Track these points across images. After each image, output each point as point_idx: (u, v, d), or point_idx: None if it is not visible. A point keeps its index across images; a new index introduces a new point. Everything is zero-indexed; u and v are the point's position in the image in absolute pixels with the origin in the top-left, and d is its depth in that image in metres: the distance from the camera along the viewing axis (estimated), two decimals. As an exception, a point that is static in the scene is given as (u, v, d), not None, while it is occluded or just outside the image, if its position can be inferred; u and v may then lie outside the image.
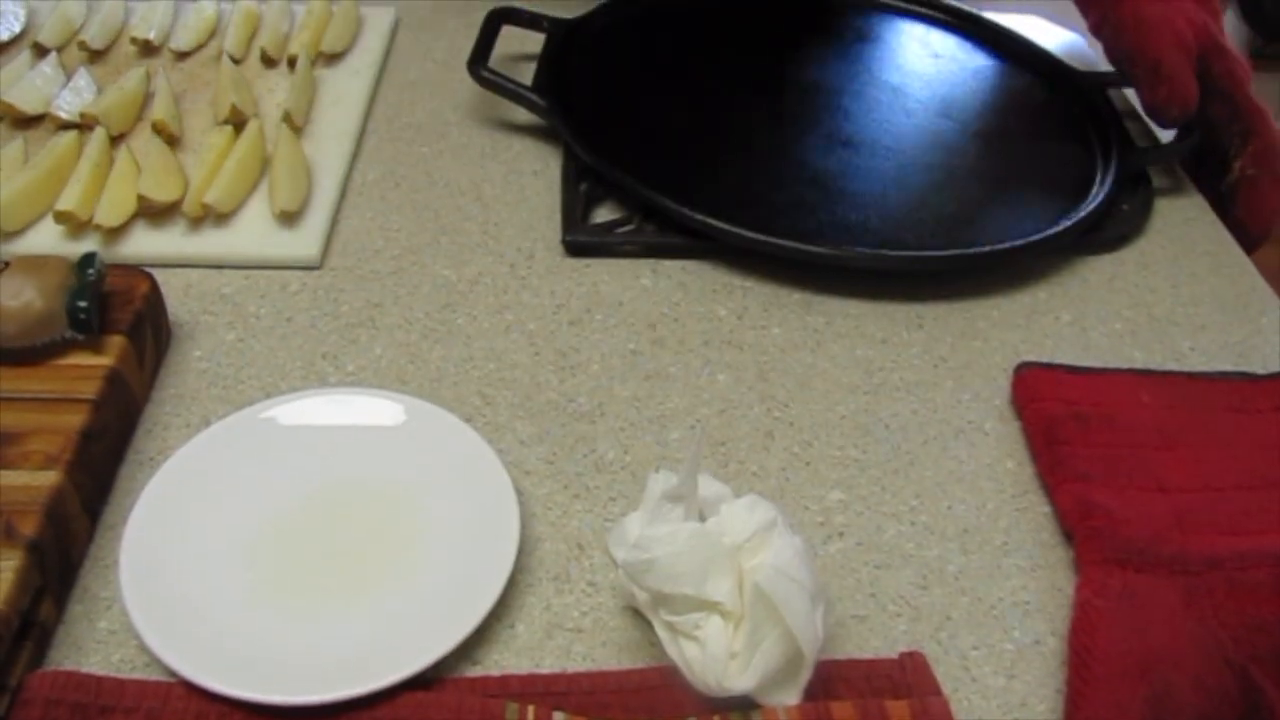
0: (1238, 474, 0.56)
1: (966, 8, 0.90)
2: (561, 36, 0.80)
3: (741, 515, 0.46)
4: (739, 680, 0.43)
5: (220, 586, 0.48)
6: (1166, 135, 0.80)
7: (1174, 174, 0.79)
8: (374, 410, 0.55)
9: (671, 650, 0.44)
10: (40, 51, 0.77)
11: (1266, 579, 0.50)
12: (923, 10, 0.90)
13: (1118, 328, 0.66)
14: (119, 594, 0.47)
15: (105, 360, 0.53)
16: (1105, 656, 0.47)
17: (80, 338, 0.53)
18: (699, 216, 0.65)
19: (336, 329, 0.61)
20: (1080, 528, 0.52)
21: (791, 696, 0.44)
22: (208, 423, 0.56)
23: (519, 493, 0.52)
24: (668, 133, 0.76)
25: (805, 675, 0.43)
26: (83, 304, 0.53)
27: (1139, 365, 0.63)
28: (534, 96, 0.74)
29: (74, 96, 0.72)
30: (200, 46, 0.80)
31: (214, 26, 0.82)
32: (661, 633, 0.45)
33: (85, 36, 0.78)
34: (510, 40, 0.82)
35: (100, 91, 0.73)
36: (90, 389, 0.52)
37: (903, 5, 0.90)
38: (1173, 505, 0.54)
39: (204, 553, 0.49)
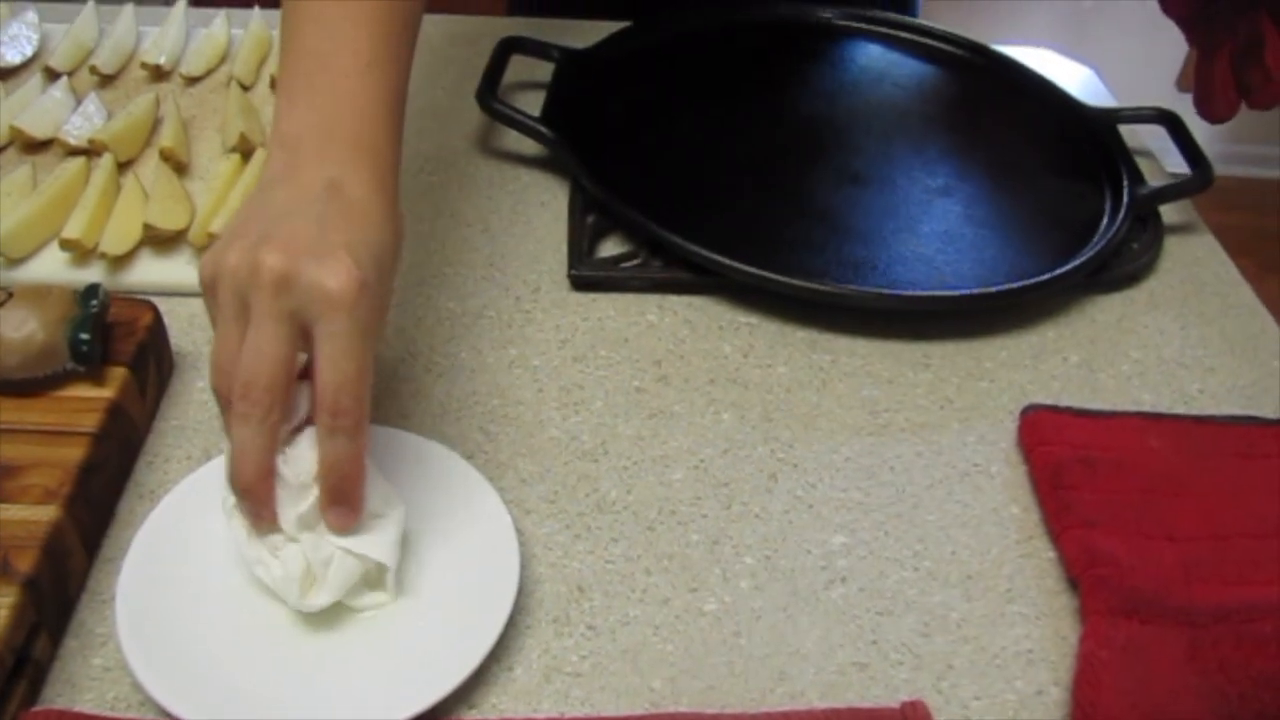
0: (1245, 521, 0.55)
1: (977, 41, 0.89)
2: (571, 67, 0.80)
3: (307, 452, 0.46)
4: (316, 598, 0.47)
5: (216, 624, 0.48)
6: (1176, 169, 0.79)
7: (1185, 211, 0.78)
8: (375, 445, 0.54)
9: (260, 572, 0.47)
10: (51, 75, 0.78)
11: (1273, 633, 0.49)
12: (933, 43, 0.90)
13: (1125, 369, 0.65)
14: (115, 630, 0.46)
15: (107, 393, 0.53)
16: (1109, 710, 0.47)
17: (82, 370, 0.53)
18: (705, 252, 0.65)
19: (340, 361, 0.61)
20: (1085, 576, 0.52)
21: (384, 598, 0.48)
22: (209, 455, 0.55)
23: (519, 532, 0.52)
24: (676, 166, 0.75)
25: (390, 579, 0.48)
26: (85, 336, 0.53)
27: (1147, 408, 0.63)
28: (542, 128, 0.73)
29: (83, 121, 0.72)
30: (210, 72, 0.80)
31: (225, 52, 0.82)
32: (251, 557, 0.48)
33: (96, 61, 0.78)
34: (520, 69, 0.82)
35: (110, 116, 0.73)
36: (91, 422, 0.52)
37: (913, 38, 0.90)
38: (1180, 554, 0.53)
39: (201, 590, 0.49)
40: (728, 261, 0.64)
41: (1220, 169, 0.77)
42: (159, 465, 0.55)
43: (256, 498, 0.46)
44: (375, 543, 0.47)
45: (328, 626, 0.48)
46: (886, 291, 0.65)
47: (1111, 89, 0.93)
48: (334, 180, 0.47)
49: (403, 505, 0.49)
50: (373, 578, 0.48)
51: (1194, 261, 0.74)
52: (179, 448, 0.56)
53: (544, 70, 0.81)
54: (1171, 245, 0.75)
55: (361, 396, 0.45)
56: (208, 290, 0.46)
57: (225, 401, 0.45)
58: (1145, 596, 0.51)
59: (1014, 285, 0.66)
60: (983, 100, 0.86)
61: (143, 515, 0.51)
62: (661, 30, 0.87)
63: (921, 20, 0.91)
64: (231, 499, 0.47)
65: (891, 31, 0.90)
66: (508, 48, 0.80)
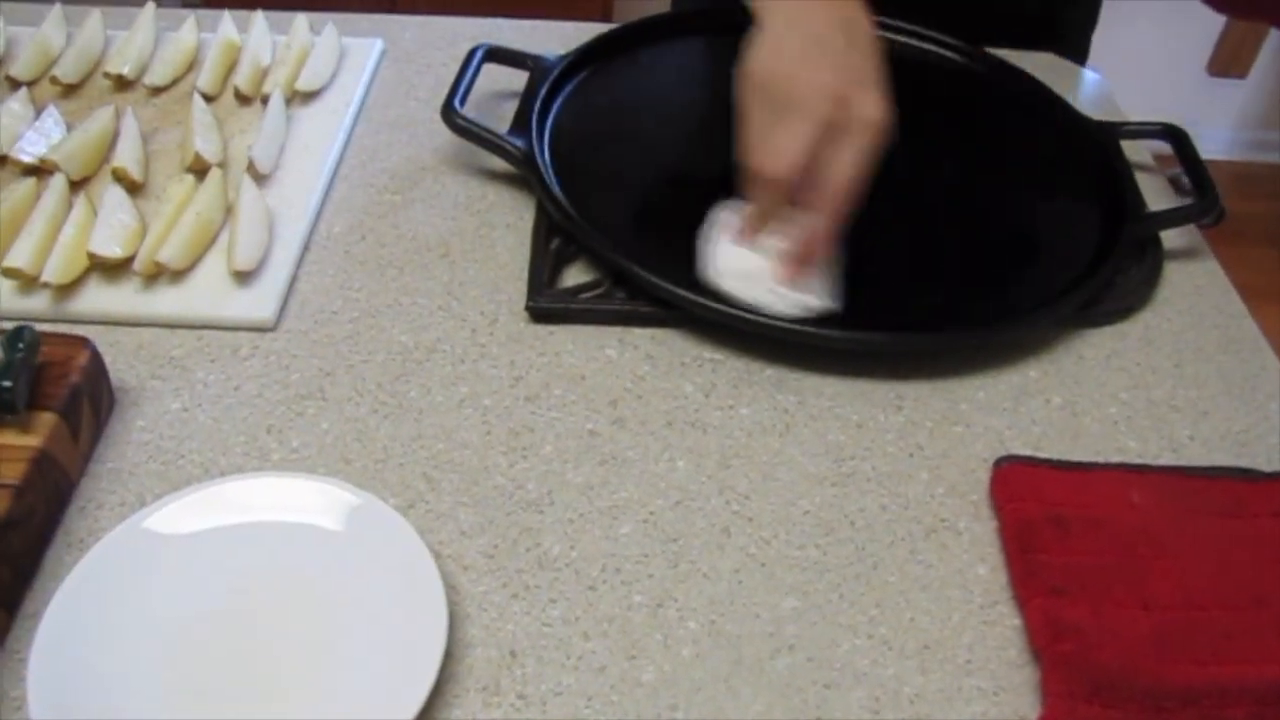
0: (1225, 590, 0.52)
1: (969, 48, 0.85)
2: (544, 78, 0.76)
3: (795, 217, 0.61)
4: (733, 289, 0.62)
5: (135, 689, 0.46)
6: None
7: (1189, 234, 0.74)
8: (310, 499, 0.52)
9: (713, 252, 0.64)
10: (12, 85, 0.76)
11: (1244, 719, 0.47)
12: (930, 49, 0.85)
13: (1112, 412, 0.62)
14: (25, 693, 0.45)
15: (33, 441, 0.51)
16: (1063, 803, 0.44)
17: (7, 418, 0.51)
18: (669, 286, 0.62)
19: (284, 400, 0.59)
20: (1048, 652, 0.49)
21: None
22: (144, 501, 0.54)
23: (453, 590, 0.50)
24: (647, 186, 0.72)
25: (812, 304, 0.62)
26: (7, 384, 0.51)
27: (1132, 456, 0.60)
28: (508, 145, 0.70)
29: (39, 137, 0.70)
30: (176, 81, 0.78)
31: (192, 59, 0.80)
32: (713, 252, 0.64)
33: (58, 71, 0.76)
34: (499, 76, 0.78)
35: (69, 130, 0.71)
36: (14, 473, 0.50)
37: (909, 43, 0.85)
38: (1153, 625, 0.50)
39: (120, 651, 0.47)
40: (690, 296, 0.61)
41: (1248, 155, 0.73)
42: (91, 511, 0.54)
43: (754, 229, 0.61)
44: (797, 297, 0.62)
45: (248, 694, 0.46)
46: (858, 335, 0.61)
47: (1127, 87, 0.88)
48: (847, 18, 0.59)
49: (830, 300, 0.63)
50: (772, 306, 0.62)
51: (1194, 291, 0.70)
52: (113, 493, 0.54)
53: (524, 78, 0.78)
54: (1171, 272, 0.71)
55: (853, 194, 0.58)
56: (756, 88, 0.59)
57: (753, 169, 0.59)
58: (1110, 676, 0.48)
59: (992, 330, 0.63)
60: (978, 113, 0.81)
61: (70, 566, 0.49)
62: (641, 37, 0.83)
63: (915, 26, 0.86)
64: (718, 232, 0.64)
65: (885, 35, 0.85)
66: (481, 56, 0.76)
